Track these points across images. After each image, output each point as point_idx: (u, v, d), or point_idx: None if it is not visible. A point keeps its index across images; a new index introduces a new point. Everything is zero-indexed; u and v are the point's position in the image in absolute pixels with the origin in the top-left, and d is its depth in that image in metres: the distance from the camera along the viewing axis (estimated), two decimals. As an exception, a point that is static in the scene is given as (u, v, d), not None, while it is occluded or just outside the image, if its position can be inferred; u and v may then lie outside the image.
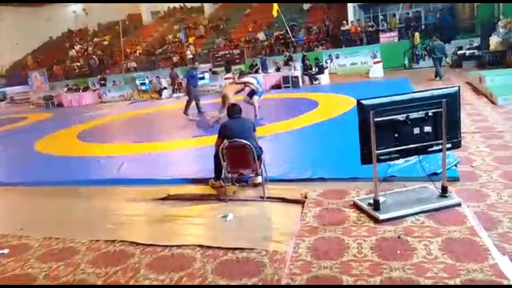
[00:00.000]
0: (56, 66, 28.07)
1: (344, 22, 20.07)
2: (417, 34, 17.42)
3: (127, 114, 14.68)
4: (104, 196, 5.24)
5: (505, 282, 2.54)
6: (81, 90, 21.44)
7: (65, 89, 22.05)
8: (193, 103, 11.43)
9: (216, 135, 4.78)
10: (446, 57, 13.26)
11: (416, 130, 3.46)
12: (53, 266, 3.44)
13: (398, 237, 3.25)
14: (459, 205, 3.65)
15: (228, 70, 18.37)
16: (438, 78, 12.13)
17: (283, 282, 2.81)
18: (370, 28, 19.74)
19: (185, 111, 11.32)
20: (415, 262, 2.87)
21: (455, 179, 4.23)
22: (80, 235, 4.00)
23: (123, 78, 22.69)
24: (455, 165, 4.59)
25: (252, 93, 9.20)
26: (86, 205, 5.03)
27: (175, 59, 23.36)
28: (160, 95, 18.24)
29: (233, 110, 4.83)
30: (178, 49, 24.70)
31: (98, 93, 21.00)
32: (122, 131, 11.65)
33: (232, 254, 3.30)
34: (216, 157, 4.63)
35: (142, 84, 19.54)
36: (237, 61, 19.83)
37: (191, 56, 22.27)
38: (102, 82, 21.92)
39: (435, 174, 4.26)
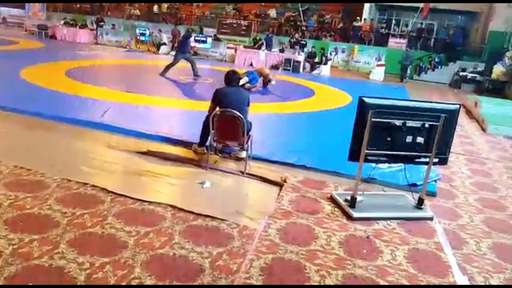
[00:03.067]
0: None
1: (358, 18, 19.85)
2: (356, 46, 17.81)
3: (121, 61, 14.33)
4: (83, 138, 5.12)
5: (460, 301, 2.60)
6: (78, 27, 20.74)
7: (62, 22, 21.29)
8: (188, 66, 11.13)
9: (209, 101, 4.68)
10: (411, 65, 16.27)
11: (409, 139, 3.46)
12: (20, 196, 3.36)
13: (367, 237, 3.29)
14: (431, 219, 3.71)
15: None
16: (404, 81, 15.06)
17: (248, 257, 2.81)
18: (382, 30, 19.58)
19: (162, 72, 10.84)
20: (379, 264, 2.91)
21: (433, 194, 4.29)
22: (53, 171, 3.90)
23: (123, 24, 22.01)
24: (435, 181, 4.65)
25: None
26: (64, 143, 4.91)
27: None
28: (158, 49, 17.83)
29: (233, 78, 4.71)
30: (185, 7, 24.03)
31: (95, 33, 20.34)
32: (112, 77, 11.36)
33: (203, 221, 3.28)
34: (206, 122, 4.56)
35: (142, 34, 19.04)
36: (243, 32, 19.42)
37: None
38: (100, 23, 21.19)
39: (415, 185, 4.30)
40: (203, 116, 4.68)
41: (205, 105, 4.78)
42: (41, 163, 4.08)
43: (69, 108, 6.47)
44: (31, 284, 2.37)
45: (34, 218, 3.07)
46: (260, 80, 10.27)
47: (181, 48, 11.29)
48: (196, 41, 17.11)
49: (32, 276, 2.43)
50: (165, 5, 24.35)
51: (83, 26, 21.06)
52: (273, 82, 10.53)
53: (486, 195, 4.50)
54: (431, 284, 2.74)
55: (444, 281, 2.78)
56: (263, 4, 23.20)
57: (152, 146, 4.96)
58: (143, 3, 24.95)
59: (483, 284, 2.81)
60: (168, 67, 10.94)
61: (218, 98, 4.56)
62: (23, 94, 7.23)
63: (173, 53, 17.01)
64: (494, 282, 2.84)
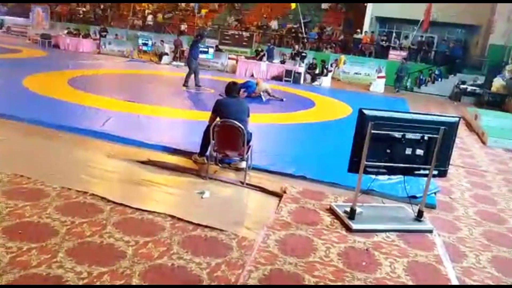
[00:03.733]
0: (61, 6, 27.23)
1: (358, 30, 20.02)
2: (342, 56, 17.85)
3: (123, 71, 14.41)
4: (83, 147, 5.13)
5: (459, 315, 2.58)
6: (81, 36, 20.92)
7: (65, 31, 21.48)
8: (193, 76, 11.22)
9: (210, 111, 4.71)
10: (407, 77, 16.82)
11: (409, 151, 3.47)
12: (19, 205, 3.36)
13: (367, 249, 3.28)
14: (430, 231, 3.70)
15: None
16: (396, 91, 15.66)
17: (247, 268, 2.80)
18: (383, 43, 19.73)
19: (184, 83, 11.02)
20: (378, 276, 2.90)
21: (432, 207, 4.28)
22: (53, 180, 3.91)
23: (126, 34, 22.21)
24: (435, 193, 4.64)
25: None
26: (64, 151, 4.92)
27: (183, 27, 22.96)
28: (160, 59, 17.95)
29: (233, 89, 4.75)
30: (188, 18, 24.28)
31: (97, 43, 20.50)
32: (114, 86, 11.43)
33: (202, 231, 3.28)
34: (206, 133, 4.58)
35: (145, 44, 19.17)
36: (245, 43, 19.57)
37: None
38: (103, 33, 21.38)
39: (414, 197, 4.29)
40: (204, 126, 4.70)
41: (206, 115, 4.81)
42: (41, 172, 4.08)
43: (70, 117, 6.50)
44: (28, 293, 2.36)
45: (33, 227, 3.07)
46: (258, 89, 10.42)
47: (192, 53, 11.17)
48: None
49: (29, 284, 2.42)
50: (161, 16, 24.59)
51: (86, 35, 21.25)
52: (267, 97, 10.48)
53: (486, 207, 4.49)
54: (430, 297, 2.73)
55: (443, 295, 2.77)
56: (265, 16, 23.44)
57: (152, 155, 4.98)
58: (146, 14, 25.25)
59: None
60: (188, 77, 11.06)
61: (218, 109, 4.59)
62: (24, 102, 7.27)
63: (175, 63, 17.24)
64: (493, 296, 2.83)
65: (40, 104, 7.23)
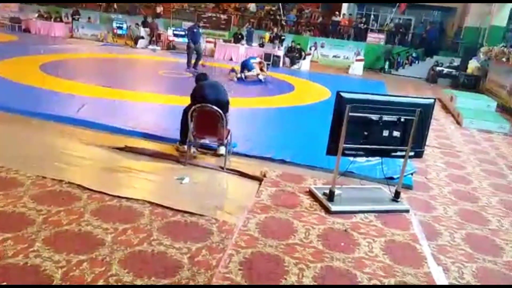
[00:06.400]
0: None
1: (337, 13, 19.97)
2: (267, 34, 17.83)
3: (97, 55, 14.01)
4: (57, 134, 5.00)
5: (434, 290, 2.67)
6: (52, 20, 20.14)
7: (36, 15, 20.63)
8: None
9: (189, 96, 4.64)
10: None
11: (386, 133, 3.52)
12: (-8, 194, 3.26)
13: (345, 230, 3.34)
14: (407, 211, 3.79)
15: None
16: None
17: (228, 252, 2.82)
18: (361, 25, 19.77)
19: (194, 66, 11.57)
20: (356, 256, 2.97)
21: (409, 187, 4.38)
22: (26, 168, 3.81)
23: (100, 17, 21.48)
24: (411, 174, 4.75)
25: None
26: (37, 139, 4.78)
27: (158, 9, 22.36)
28: (136, 43, 17.50)
29: (202, 77, 4.79)
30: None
31: (70, 27, 19.79)
32: (88, 72, 11.10)
33: (181, 216, 3.27)
34: (183, 119, 4.53)
35: (119, 27, 18.63)
36: (222, 26, 19.26)
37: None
38: (76, 16, 20.59)
39: (391, 178, 4.38)
40: (181, 111, 4.64)
41: (184, 100, 4.75)
42: (14, 160, 3.97)
43: (43, 103, 6.31)
44: (5, 284, 2.31)
45: (8, 217, 2.99)
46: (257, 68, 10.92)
47: (192, 39, 11.67)
48: (174, 35, 16.91)
49: (6, 275, 2.37)
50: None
51: (57, 19, 20.45)
52: (260, 77, 10.83)
53: (460, 187, 4.63)
54: (407, 273, 2.81)
55: (419, 271, 2.85)
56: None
57: (130, 141, 4.90)
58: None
59: (456, 271, 2.89)
60: (189, 61, 11.69)
61: (196, 95, 4.54)
62: (-5, 89, 7.00)
63: (151, 47, 16.88)
64: (467, 271, 2.93)
65: (12, 91, 6.99)
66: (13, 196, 3.28)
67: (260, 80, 10.71)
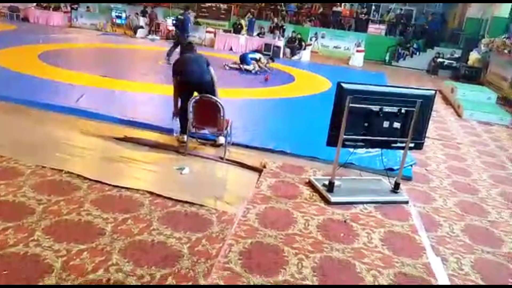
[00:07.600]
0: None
1: (338, 3, 19.80)
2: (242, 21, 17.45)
3: (96, 45, 13.93)
4: (57, 124, 4.99)
5: (433, 282, 2.69)
6: (51, 9, 19.97)
7: (34, 4, 20.44)
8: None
9: None
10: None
11: (386, 124, 3.51)
12: (-8, 184, 3.26)
13: (345, 221, 3.35)
14: (406, 202, 3.80)
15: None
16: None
17: (227, 242, 2.83)
18: (362, 16, 19.62)
19: (168, 54, 10.66)
20: (356, 247, 2.98)
21: (408, 178, 4.38)
22: (26, 158, 3.80)
23: (99, 6, 21.29)
24: (411, 165, 4.75)
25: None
26: (37, 129, 4.77)
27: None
28: (135, 33, 17.39)
29: (188, 48, 4.89)
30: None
31: (69, 16, 19.64)
32: (88, 61, 11.05)
33: (181, 206, 3.27)
34: (182, 111, 4.52)
35: (118, 17, 18.49)
36: (222, 16, 19.11)
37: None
38: (74, 5, 20.40)
39: (391, 169, 4.38)
40: (180, 101, 4.62)
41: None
42: (14, 150, 3.96)
43: (42, 93, 6.28)
44: (5, 271, 2.32)
45: (8, 206, 3.00)
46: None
47: (181, 29, 11.04)
48: (174, 25, 16.78)
49: (7, 264, 2.38)
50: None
51: (56, 8, 20.28)
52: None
53: (460, 179, 4.63)
54: (405, 264, 2.82)
55: (418, 262, 2.87)
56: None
57: (129, 132, 4.89)
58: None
59: (455, 262, 2.91)
60: (173, 48, 10.65)
61: (178, 69, 4.57)
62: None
63: (150, 37, 16.77)
64: (465, 262, 2.95)
65: (10, 80, 6.95)
66: (13, 186, 3.28)
67: (257, 72, 10.66)
